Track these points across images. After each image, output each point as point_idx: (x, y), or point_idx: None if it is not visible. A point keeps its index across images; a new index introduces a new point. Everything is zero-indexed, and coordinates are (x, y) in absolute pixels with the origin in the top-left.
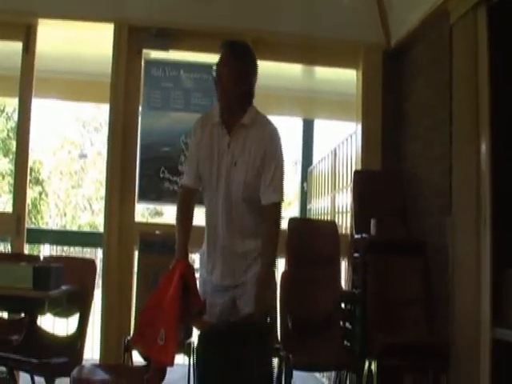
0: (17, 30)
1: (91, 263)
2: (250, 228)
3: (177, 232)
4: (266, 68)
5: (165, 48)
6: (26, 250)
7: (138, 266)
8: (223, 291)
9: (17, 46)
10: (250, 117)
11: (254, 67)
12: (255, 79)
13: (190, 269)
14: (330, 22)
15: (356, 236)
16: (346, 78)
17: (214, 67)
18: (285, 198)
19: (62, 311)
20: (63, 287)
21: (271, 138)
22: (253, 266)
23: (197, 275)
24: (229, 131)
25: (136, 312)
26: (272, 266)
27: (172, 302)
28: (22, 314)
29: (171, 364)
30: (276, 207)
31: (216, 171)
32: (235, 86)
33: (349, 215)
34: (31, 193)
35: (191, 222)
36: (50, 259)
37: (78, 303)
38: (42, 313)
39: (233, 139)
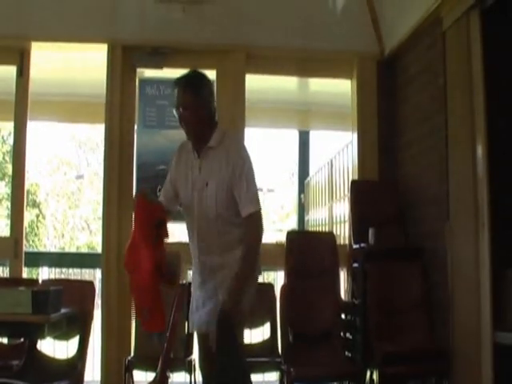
0: (10, 54)
1: (90, 285)
2: (227, 243)
3: None
4: (261, 82)
5: (159, 66)
6: (25, 273)
7: None
8: (208, 305)
9: (11, 70)
10: (215, 139)
11: (208, 91)
12: (213, 101)
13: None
14: (323, 34)
15: (354, 246)
16: (340, 89)
17: (174, 107)
18: (261, 205)
19: (62, 334)
20: (63, 310)
21: (237, 154)
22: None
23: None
24: (199, 155)
25: (136, 332)
26: (252, 269)
27: (148, 277)
28: (22, 339)
29: (162, 330)
30: (254, 216)
31: (190, 195)
32: (196, 120)
33: (347, 225)
34: (29, 215)
35: None
36: (49, 282)
37: (78, 325)
38: (42, 337)
39: (202, 162)
